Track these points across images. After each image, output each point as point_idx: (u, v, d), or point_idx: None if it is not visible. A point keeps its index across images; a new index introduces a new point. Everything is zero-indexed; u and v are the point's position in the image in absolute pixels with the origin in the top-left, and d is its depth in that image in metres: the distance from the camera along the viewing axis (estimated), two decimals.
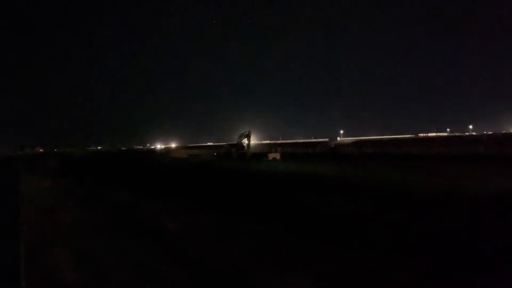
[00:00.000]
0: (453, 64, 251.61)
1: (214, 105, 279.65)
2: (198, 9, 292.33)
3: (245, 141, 46.51)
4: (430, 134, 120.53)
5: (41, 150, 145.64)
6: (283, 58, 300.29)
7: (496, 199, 11.00)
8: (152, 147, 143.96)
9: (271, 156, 42.39)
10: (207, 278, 6.08)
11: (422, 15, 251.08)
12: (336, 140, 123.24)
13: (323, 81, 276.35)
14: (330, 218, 9.64)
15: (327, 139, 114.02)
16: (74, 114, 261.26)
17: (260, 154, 48.05)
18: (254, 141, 57.45)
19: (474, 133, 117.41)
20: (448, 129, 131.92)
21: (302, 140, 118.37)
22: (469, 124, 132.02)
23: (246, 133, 46.53)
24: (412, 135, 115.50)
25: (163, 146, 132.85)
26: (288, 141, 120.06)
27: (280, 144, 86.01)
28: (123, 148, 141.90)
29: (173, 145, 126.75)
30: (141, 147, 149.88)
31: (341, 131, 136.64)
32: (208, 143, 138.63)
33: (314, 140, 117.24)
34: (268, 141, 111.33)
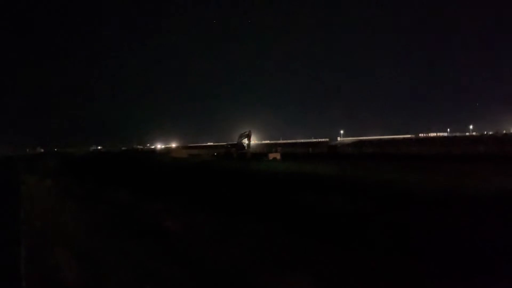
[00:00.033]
0: (453, 64, 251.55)
1: (214, 105, 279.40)
2: (198, 9, 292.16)
3: (245, 141, 46.50)
4: (430, 134, 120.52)
5: (41, 150, 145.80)
6: (283, 58, 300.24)
7: (496, 199, 10.99)
8: (152, 147, 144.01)
9: (271, 156, 42.39)
10: (207, 278, 6.08)
11: (422, 15, 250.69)
12: (337, 140, 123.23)
13: (323, 81, 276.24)
14: (330, 218, 9.64)
15: (327, 139, 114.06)
16: (74, 114, 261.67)
17: (260, 154, 48.07)
18: (254, 141, 57.45)
19: (474, 133, 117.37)
20: (448, 129, 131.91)
21: (302, 140, 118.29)
22: (469, 124, 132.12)
23: (247, 133, 46.51)
24: (413, 135, 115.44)
25: (163, 146, 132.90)
26: (288, 141, 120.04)
27: (280, 144, 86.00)
28: (123, 148, 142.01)
29: (173, 145, 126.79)
30: (141, 147, 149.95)
31: (341, 131, 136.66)
32: (208, 143, 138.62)
33: (315, 140, 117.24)
34: (268, 141, 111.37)
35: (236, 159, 42.26)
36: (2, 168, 44.78)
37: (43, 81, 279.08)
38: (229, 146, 52.28)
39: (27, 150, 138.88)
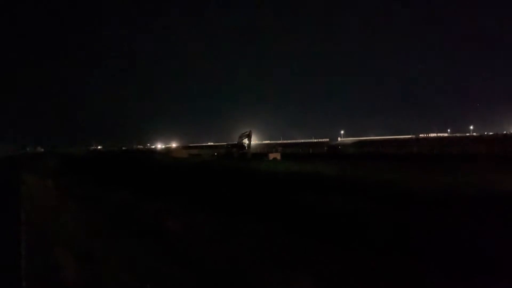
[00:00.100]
0: (453, 64, 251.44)
1: (214, 105, 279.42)
2: (198, 9, 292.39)
3: (245, 141, 46.45)
4: (430, 135, 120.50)
5: (41, 149, 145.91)
6: (283, 58, 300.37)
7: (496, 199, 10.99)
8: (153, 147, 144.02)
9: (271, 156, 42.38)
10: (207, 278, 6.08)
11: (422, 15, 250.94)
12: (337, 140, 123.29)
13: (323, 81, 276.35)
14: (330, 218, 9.64)
15: (327, 139, 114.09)
16: (74, 114, 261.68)
17: (260, 154, 48.06)
18: (254, 141, 57.45)
19: (475, 134, 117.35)
20: (449, 130, 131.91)
21: (302, 140, 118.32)
22: (470, 125, 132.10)
23: (247, 133, 46.48)
24: (413, 136, 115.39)
25: (163, 146, 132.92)
26: (289, 141, 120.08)
27: (280, 144, 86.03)
28: (123, 148, 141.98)
29: (174, 145, 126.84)
30: (141, 147, 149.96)
31: (342, 132, 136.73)
32: (209, 143, 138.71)
33: (315, 140, 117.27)
34: (268, 141, 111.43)
35: (236, 159, 42.24)
36: (2, 167, 44.79)
37: (43, 81, 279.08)
38: (229, 146, 52.25)
39: (28, 149, 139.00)
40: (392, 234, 7.87)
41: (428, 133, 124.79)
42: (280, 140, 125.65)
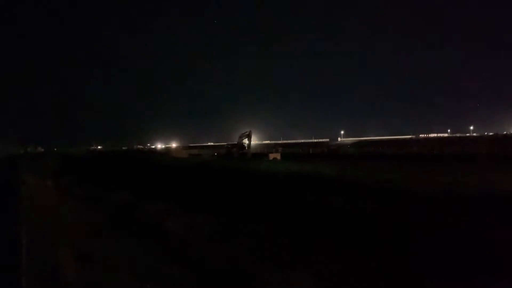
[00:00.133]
0: (453, 64, 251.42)
1: (214, 105, 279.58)
2: (198, 9, 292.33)
3: (245, 141, 46.44)
4: (431, 135, 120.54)
5: (42, 149, 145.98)
6: (283, 58, 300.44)
7: (496, 199, 10.99)
8: (153, 147, 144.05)
9: (271, 156, 42.40)
10: (207, 278, 6.08)
11: (422, 15, 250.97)
12: (337, 140, 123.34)
13: (323, 81, 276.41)
14: (330, 218, 9.64)
15: (327, 140, 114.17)
16: (74, 114, 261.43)
17: (260, 154, 48.06)
18: (254, 141, 57.44)
19: (475, 134, 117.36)
20: (449, 130, 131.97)
21: (302, 140, 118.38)
22: (470, 125, 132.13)
23: (247, 133, 46.46)
24: (413, 136, 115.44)
25: (163, 146, 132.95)
26: (289, 141, 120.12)
27: (280, 144, 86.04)
28: (124, 148, 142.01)
29: (174, 145, 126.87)
30: (141, 147, 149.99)
31: (342, 132, 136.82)
32: (209, 143, 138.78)
33: (315, 140, 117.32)
34: (268, 141, 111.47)
35: (236, 159, 42.24)
36: (2, 167, 44.79)
37: (43, 81, 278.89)
38: (229, 146, 52.22)
39: (28, 149, 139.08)
40: (392, 234, 7.87)
41: (428, 133, 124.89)
42: (280, 140, 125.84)
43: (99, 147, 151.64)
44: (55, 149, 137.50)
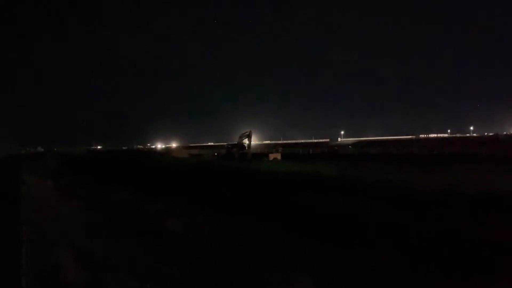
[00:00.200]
0: (453, 64, 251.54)
1: (214, 105, 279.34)
2: (198, 9, 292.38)
3: (246, 141, 46.44)
4: (430, 135, 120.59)
5: (41, 149, 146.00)
6: (283, 58, 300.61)
7: (496, 199, 11.00)
8: (153, 147, 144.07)
9: (271, 156, 42.40)
10: (207, 278, 6.08)
11: (422, 15, 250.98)
12: (337, 140, 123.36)
13: (323, 81, 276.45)
14: (330, 218, 9.64)
15: (327, 140, 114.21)
16: (74, 113, 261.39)
17: (261, 154, 48.06)
18: (255, 141, 57.43)
19: (475, 134, 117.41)
20: (449, 130, 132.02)
21: (303, 141, 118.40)
22: (470, 125, 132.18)
23: (247, 133, 46.46)
24: (413, 136, 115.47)
25: (163, 146, 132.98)
26: (289, 141, 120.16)
27: (280, 145, 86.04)
28: (124, 148, 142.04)
29: (174, 145, 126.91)
30: (141, 147, 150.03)
31: (342, 132, 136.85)
32: (209, 143, 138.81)
33: (315, 140, 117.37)
34: (268, 142, 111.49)
35: (236, 159, 42.25)
36: (2, 167, 44.80)
37: (43, 81, 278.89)
38: (229, 146, 52.22)
39: (27, 149, 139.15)
40: (392, 234, 7.87)
41: (428, 134, 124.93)
42: (280, 140, 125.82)
43: (98, 147, 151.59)
44: (55, 149, 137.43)
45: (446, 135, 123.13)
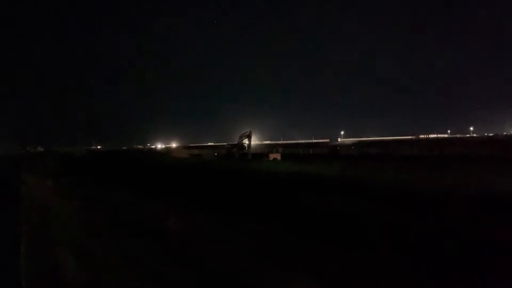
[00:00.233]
0: (454, 64, 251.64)
1: (214, 105, 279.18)
2: (198, 9, 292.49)
3: (246, 141, 46.43)
4: (431, 136, 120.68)
5: (41, 149, 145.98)
6: (283, 58, 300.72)
7: (495, 199, 11.00)
8: (153, 146, 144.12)
9: (271, 156, 42.39)
10: (207, 278, 6.08)
11: (422, 15, 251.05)
12: (337, 141, 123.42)
13: (323, 81, 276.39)
14: (330, 218, 9.64)
15: (327, 140, 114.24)
16: (74, 114, 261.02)
17: (261, 154, 48.06)
18: (255, 141, 57.44)
19: (475, 135, 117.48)
20: (449, 131, 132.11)
21: (303, 141, 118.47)
22: (470, 126, 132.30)
23: (247, 133, 46.45)
24: (413, 136, 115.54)
25: (163, 146, 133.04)
26: (289, 141, 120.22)
27: (280, 145, 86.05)
28: (124, 148, 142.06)
29: (174, 145, 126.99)
30: (141, 147, 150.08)
31: (342, 132, 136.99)
32: (209, 143, 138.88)
33: (315, 140, 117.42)
34: (268, 142, 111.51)
35: (236, 159, 42.26)
36: (2, 167, 44.79)
37: (43, 81, 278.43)
38: (229, 146, 52.22)
39: (27, 149, 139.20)
40: (392, 234, 7.87)
41: (428, 134, 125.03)
42: (280, 140, 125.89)
43: (98, 147, 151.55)
44: (55, 149, 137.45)
45: (446, 135, 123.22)
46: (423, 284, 5.57)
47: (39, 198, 15.32)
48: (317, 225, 8.95)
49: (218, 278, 6.04)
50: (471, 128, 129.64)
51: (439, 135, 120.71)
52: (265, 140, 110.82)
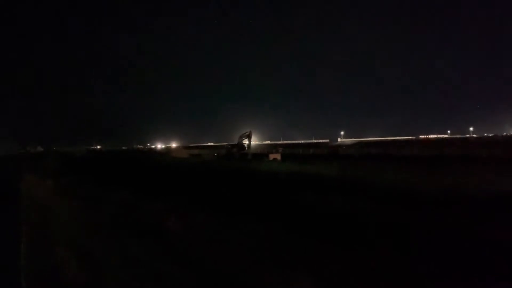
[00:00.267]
0: (454, 64, 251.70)
1: (214, 105, 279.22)
2: (198, 9, 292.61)
3: (246, 141, 46.41)
4: (431, 136, 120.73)
5: (41, 149, 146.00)
6: (283, 58, 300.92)
7: (495, 199, 11.00)
8: (153, 146, 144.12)
9: (271, 156, 42.37)
10: (207, 278, 6.08)
11: (422, 15, 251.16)
12: (337, 141, 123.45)
13: (323, 81, 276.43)
14: (330, 218, 9.64)
15: (327, 140, 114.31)
16: (74, 113, 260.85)
17: (261, 154, 48.03)
18: (255, 141, 57.43)
19: (474, 135, 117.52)
20: (448, 131, 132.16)
21: (303, 141, 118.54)
22: (470, 126, 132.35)
23: (247, 133, 46.44)
24: (413, 137, 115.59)
25: (163, 146, 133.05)
26: (289, 141, 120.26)
27: (280, 145, 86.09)
28: (124, 148, 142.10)
29: (174, 145, 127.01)
30: (141, 146, 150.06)
31: (342, 132, 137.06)
32: (209, 143, 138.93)
33: (315, 141, 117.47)
34: (268, 142, 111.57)
35: (236, 160, 42.25)
36: (2, 167, 44.79)
37: (43, 81, 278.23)
38: (229, 146, 52.19)
39: (27, 149, 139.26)
40: (392, 234, 7.87)
41: (428, 134, 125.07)
42: (280, 140, 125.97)
43: (98, 147, 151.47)
44: (55, 149, 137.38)
45: (446, 135, 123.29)
46: (423, 284, 5.57)
47: (39, 198, 15.32)
48: (317, 225, 8.95)
49: (218, 278, 6.04)
50: (471, 129, 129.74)
51: (439, 136, 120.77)
52: (265, 140, 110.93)
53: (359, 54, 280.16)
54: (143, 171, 29.57)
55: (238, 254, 7.11)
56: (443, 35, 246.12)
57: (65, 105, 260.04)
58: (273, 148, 68.19)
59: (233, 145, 50.36)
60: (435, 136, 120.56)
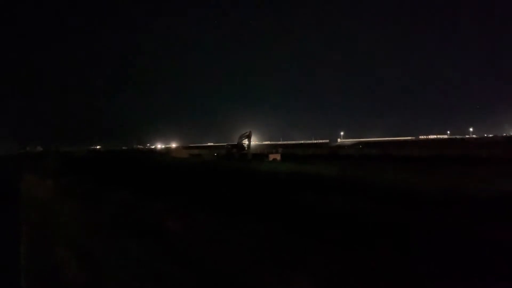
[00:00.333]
0: (454, 65, 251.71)
1: (214, 105, 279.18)
2: (198, 9, 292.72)
3: (245, 141, 46.38)
4: (430, 136, 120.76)
5: (41, 149, 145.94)
6: (283, 58, 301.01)
7: (495, 199, 11.00)
8: (153, 147, 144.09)
9: (271, 156, 42.38)
10: (207, 278, 6.08)
11: (422, 15, 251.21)
12: (337, 141, 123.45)
13: (322, 81, 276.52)
14: (330, 218, 9.64)
15: (327, 140, 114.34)
16: (74, 113, 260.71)
17: (260, 154, 48.01)
18: (254, 141, 57.37)
19: (474, 136, 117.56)
20: (448, 132, 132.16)
21: (302, 141, 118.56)
22: (470, 126, 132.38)
23: (247, 133, 46.39)
24: (413, 137, 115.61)
25: (163, 146, 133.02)
26: (289, 142, 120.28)
27: (280, 145, 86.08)
28: (124, 148, 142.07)
29: (174, 145, 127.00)
30: (141, 147, 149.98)
31: (342, 133, 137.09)
32: (209, 143, 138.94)
33: (315, 141, 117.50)
34: (268, 142, 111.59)
35: (236, 160, 42.24)
36: (2, 167, 44.77)
37: (43, 81, 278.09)
38: (229, 146, 52.17)
39: (28, 148, 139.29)
40: (392, 234, 7.87)
41: (428, 135, 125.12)
42: (280, 140, 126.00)
43: (98, 147, 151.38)
44: (55, 149, 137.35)
45: (446, 136, 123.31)
46: (423, 284, 5.57)
47: (39, 198, 15.31)
48: (317, 225, 8.95)
49: (218, 278, 6.04)
50: (471, 129, 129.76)
51: (439, 136, 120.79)
52: (265, 141, 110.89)
53: (359, 54, 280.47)
54: (143, 171, 29.57)
55: (238, 254, 7.11)
56: (443, 35, 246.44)
57: (65, 105, 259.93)
58: (273, 148, 68.13)
59: (233, 145, 50.32)
60: (435, 136, 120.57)
